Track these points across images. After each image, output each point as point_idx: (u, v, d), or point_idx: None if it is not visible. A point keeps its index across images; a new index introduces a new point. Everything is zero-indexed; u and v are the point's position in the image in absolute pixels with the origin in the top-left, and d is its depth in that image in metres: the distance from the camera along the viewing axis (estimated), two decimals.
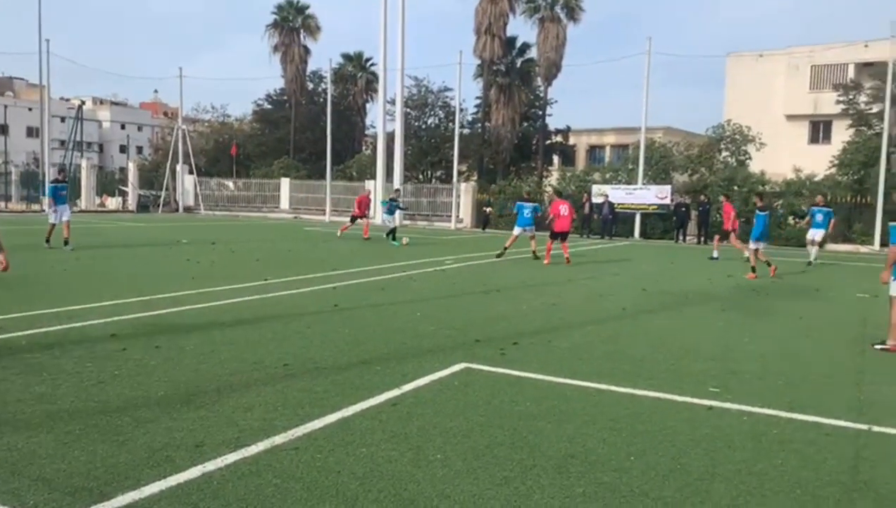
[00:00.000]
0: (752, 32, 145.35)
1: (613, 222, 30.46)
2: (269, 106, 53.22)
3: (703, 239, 27.82)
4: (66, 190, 17.92)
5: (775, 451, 4.72)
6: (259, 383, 5.91)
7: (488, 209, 34.17)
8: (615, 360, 7.17)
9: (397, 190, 25.79)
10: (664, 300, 11.64)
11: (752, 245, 15.89)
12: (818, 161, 31.52)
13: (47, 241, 16.97)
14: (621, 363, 7.06)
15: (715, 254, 20.17)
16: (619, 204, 30.86)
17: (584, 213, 30.34)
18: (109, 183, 48.69)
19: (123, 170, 51.67)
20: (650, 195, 30.68)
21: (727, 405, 5.70)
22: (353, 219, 24.20)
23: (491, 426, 5.01)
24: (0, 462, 4.12)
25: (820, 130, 41.82)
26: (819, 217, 19.18)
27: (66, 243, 16.80)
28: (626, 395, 5.92)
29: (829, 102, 37.98)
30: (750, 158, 32.84)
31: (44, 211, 38.07)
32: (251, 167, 47.79)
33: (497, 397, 5.74)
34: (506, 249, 18.15)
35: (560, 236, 17.51)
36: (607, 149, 50.55)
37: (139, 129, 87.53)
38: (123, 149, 75.87)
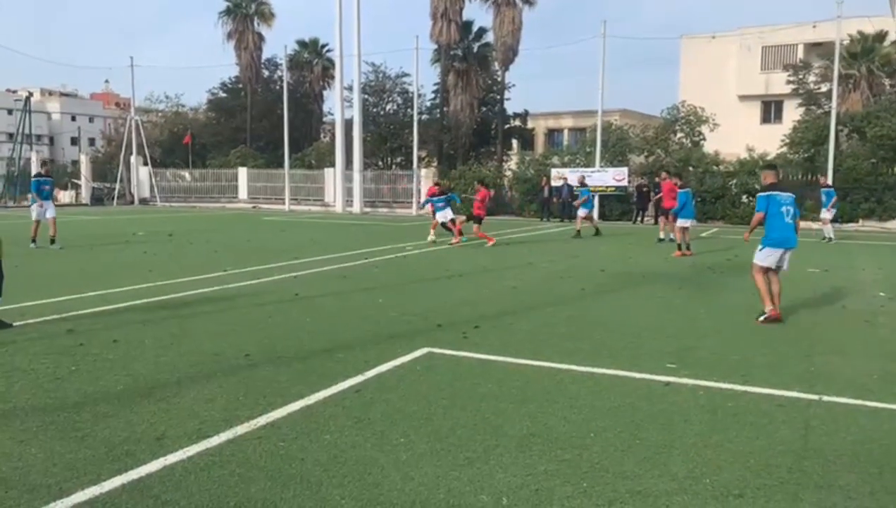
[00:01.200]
0: (706, 13, 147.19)
1: (572, 204, 30.71)
2: (224, 95, 52.28)
3: (657, 220, 28.18)
4: (50, 185, 16.99)
5: (730, 423, 4.85)
6: (220, 374, 5.87)
7: None
8: (575, 340, 7.27)
9: (437, 184, 22.49)
10: (622, 280, 11.81)
11: (679, 223, 16.13)
12: (770, 140, 32.10)
13: (33, 240, 16.07)
14: (581, 342, 7.17)
15: (661, 236, 20.02)
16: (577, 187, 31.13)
17: (543, 196, 30.76)
18: (61, 176, 47.50)
19: (76, 162, 50.45)
20: (608, 177, 31.06)
21: (684, 380, 5.84)
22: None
23: (454, 409, 5.06)
24: None
25: (771, 109, 42.61)
26: (823, 198, 20.76)
27: (52, 241, 16.06)
28: (585, 374, 6.02)
29: (779, 83, 38.71)
30: (704, 139, 33.30)
31: None
32: (207, 157, 47.04)
33: (459, 380, 5.79)
34: (579, 231, 21.03)
35: (479, 220, 18.14)
36: (565, 132, 50.86)
37: (90, 120, 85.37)
38: (75, 141, 74.04)
